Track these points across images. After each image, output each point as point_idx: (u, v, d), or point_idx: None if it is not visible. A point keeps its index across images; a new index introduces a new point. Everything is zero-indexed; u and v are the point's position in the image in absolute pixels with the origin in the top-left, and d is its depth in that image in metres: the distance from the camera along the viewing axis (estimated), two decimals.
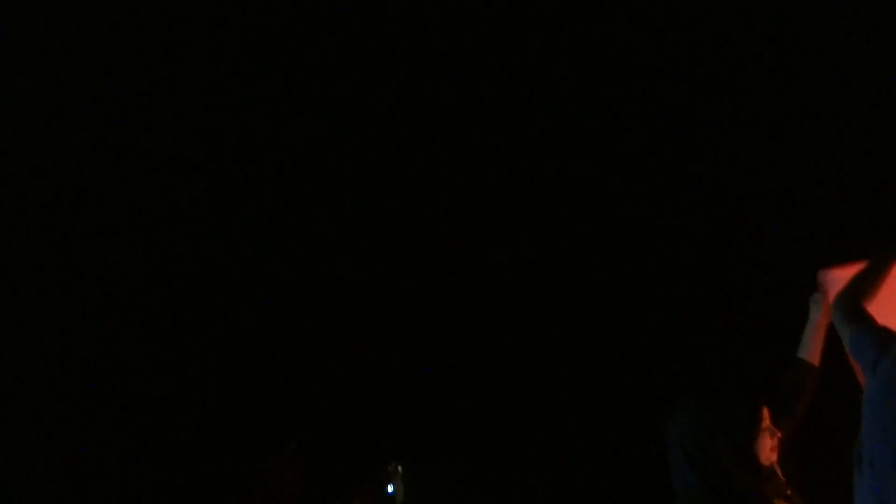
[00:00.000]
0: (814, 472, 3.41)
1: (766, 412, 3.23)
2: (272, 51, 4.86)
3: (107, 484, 4.45)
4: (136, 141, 4.89)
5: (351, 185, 4.92)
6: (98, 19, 4.69)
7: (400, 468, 4.61)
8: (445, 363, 4.86)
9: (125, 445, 4.53)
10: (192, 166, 4.95)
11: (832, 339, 3.31)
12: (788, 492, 3.25)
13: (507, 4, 4.56)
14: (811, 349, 3.42)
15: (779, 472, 3.27)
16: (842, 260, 3.34)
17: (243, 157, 4.95)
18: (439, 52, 4.69)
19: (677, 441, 3.20)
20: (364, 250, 4.87)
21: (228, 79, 4.89)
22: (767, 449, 3.21)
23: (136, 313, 4.82)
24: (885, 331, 2.83)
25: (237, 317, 4.80)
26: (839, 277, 3.29)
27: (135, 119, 4.85)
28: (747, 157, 4.18)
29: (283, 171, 4.97)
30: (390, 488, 4.58)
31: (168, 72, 4.84)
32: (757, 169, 4.15)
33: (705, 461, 3.11)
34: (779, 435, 3.24)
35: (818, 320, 3.40)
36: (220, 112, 4.88)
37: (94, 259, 4.82)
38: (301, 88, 4.91)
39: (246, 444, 3.99)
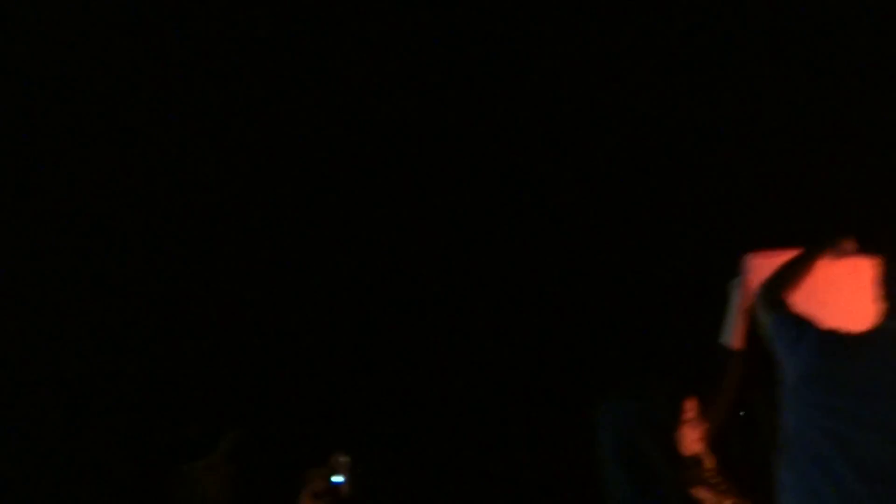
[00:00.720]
0: (743, 457, 3.41)
1: (690, 405, 3.26)
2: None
3: (24, 488, 4.37)
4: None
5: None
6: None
7: (347, 459, 4.60)
8: (392, 355, 4.82)
9: (44, 448, 4.45)
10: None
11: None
12: (714, 480, 3.27)
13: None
14: (734, 334, 3.42)
15: (706, 460, 3.29)
16: (762, 247, 3.33)
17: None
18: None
19: (605, 436, 3.25)
20: (296, 244, 4.80)
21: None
22: (690, 440, 3.24)
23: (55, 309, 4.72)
24: (802, 316, 2.85)
25: (164, 310, 4.71)
26: (762, 264, 3.30)
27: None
28: (663, 153, 4.12)
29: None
30: (337, 478, 4.57)
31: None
32: (673, 160, 4.09)
33: (629, 454, 3.17)
34: (704, 426, 3.26)
35: (739, 305, 3.40)
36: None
37: None
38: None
39: (169, 446, 3.89)
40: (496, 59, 4.61)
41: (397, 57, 4.71)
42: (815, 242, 3.17)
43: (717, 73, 3.96)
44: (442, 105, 4.71)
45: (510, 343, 4.52)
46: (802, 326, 2.77)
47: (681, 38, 4.07)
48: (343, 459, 4.63)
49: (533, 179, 4.42)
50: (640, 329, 4.07)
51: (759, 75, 3.90)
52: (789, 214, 3.61)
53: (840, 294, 3.03)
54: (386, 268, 4.85)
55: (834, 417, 2.49)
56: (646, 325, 4.07)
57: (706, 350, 3.43)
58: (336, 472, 4.61)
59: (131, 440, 4.31)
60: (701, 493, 3.18)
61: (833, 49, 3.80)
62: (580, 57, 4.28)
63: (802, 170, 3.77)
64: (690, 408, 3.25)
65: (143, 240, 4.67)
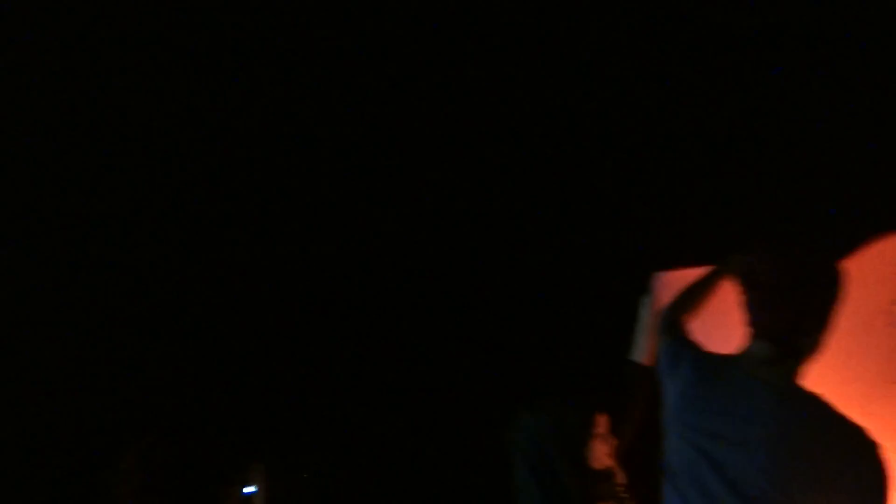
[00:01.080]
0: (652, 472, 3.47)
1: (601, 420, 3.31)
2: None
3: None
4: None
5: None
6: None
7: (260, 467, 4.54)
8: (307, 362, 4.77)
9: None
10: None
11: None
12: (624, 494, 3.33)
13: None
14: (644, 351, 3.48)
15: (616, 475, 3.34)
16: (673, 264, 3.39)
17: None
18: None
19: (518, 449, 3.33)
20: (206, 249, 4.71)
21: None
22: (601, 454, 3.29)
23: None
24: (685, 339, 2.92)
25: (75, 317, 4.57)
26: (672, 281, 3.36)
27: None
28: (576, 170, 4.13)
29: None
30: (248, 489, 4.50)
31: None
32: (585, 177, 4.11)
33: (541, 468, 3.26)
34: (614, 441, 3.33)
35: (649, 322, 3.46)
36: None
37: None
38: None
39: (80, 453, 3.79)
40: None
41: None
42: (720, 262, 3.22)
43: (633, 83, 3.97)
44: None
45: (424, 357, 4.51)
46: (683, 350, 2.84)
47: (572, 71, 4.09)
48: (256, 467, 4.58)
49: (437, 195, 4.41)
50: (552, 344, 4.10)
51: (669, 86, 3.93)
52: (701, 231, 3.67)
53: (728, 316, 3.09)
54: (303, 274, 4.80)
55: (706, 439, 2.56)
56: (557, 341, 4.10)
57: (617, 366, 3.48)
58: (248, 483, 4.55)
59: (43, 447, 4.19)
60: None
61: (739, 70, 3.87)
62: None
63: (713, 186, 3.82)
64: (601, 423, 3.31)
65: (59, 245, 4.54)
